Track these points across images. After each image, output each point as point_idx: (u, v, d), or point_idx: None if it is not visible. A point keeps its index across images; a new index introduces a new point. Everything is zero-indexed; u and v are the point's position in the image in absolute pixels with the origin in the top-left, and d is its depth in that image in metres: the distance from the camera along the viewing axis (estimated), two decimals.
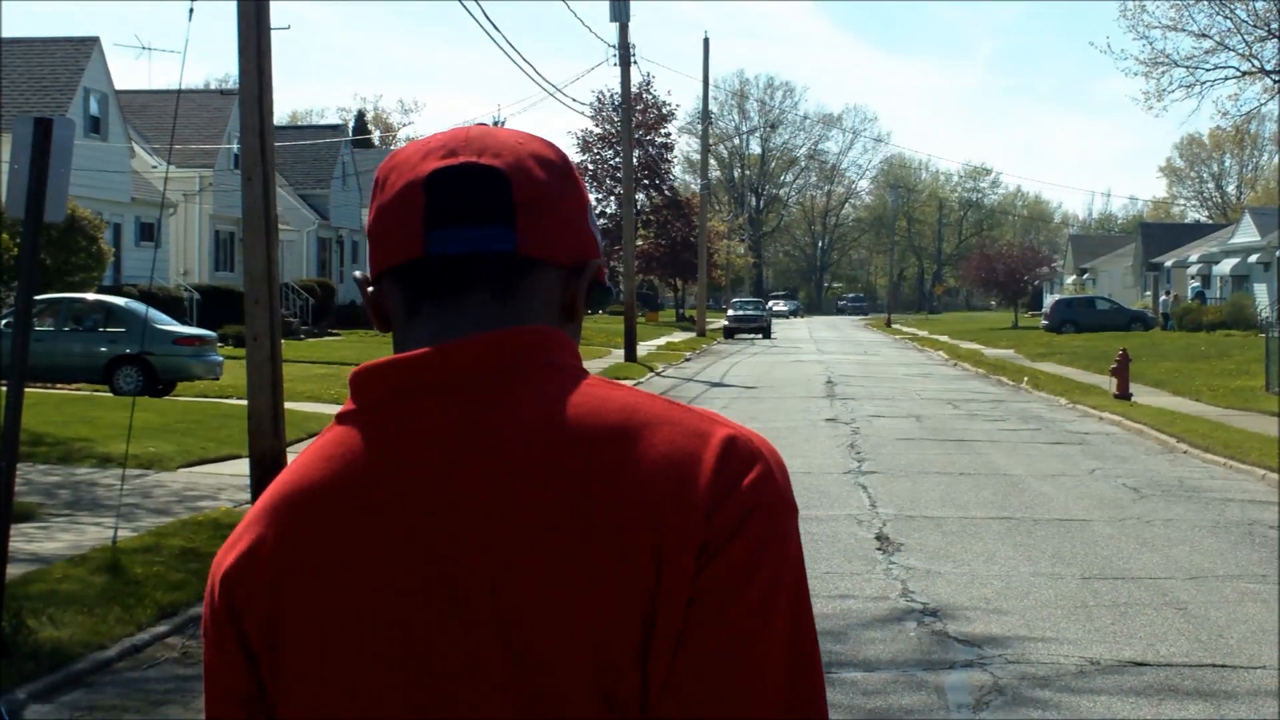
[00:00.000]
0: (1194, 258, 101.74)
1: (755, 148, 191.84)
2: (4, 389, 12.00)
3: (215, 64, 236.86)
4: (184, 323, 43.56)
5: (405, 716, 1.99)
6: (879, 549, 16.67)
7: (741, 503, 1.97)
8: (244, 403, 20.05)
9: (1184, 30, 67.07)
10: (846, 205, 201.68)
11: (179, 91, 22.60)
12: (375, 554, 2.01)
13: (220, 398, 34.74)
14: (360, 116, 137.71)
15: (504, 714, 1.96)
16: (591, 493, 1.96)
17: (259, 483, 19.00)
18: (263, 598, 2.06)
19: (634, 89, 77.99)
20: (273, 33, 19.46)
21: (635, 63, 64.69)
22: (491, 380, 2.06)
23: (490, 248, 2.11)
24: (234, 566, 2.09)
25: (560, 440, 1.99)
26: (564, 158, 2.24)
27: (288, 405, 20.58)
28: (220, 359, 37.41)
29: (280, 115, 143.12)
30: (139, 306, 36.03)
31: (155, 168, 61.44)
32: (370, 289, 2.21)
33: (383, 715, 2.01)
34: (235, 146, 58.39)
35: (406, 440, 2.04)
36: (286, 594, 2.05)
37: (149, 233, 58.47)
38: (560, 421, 2.01)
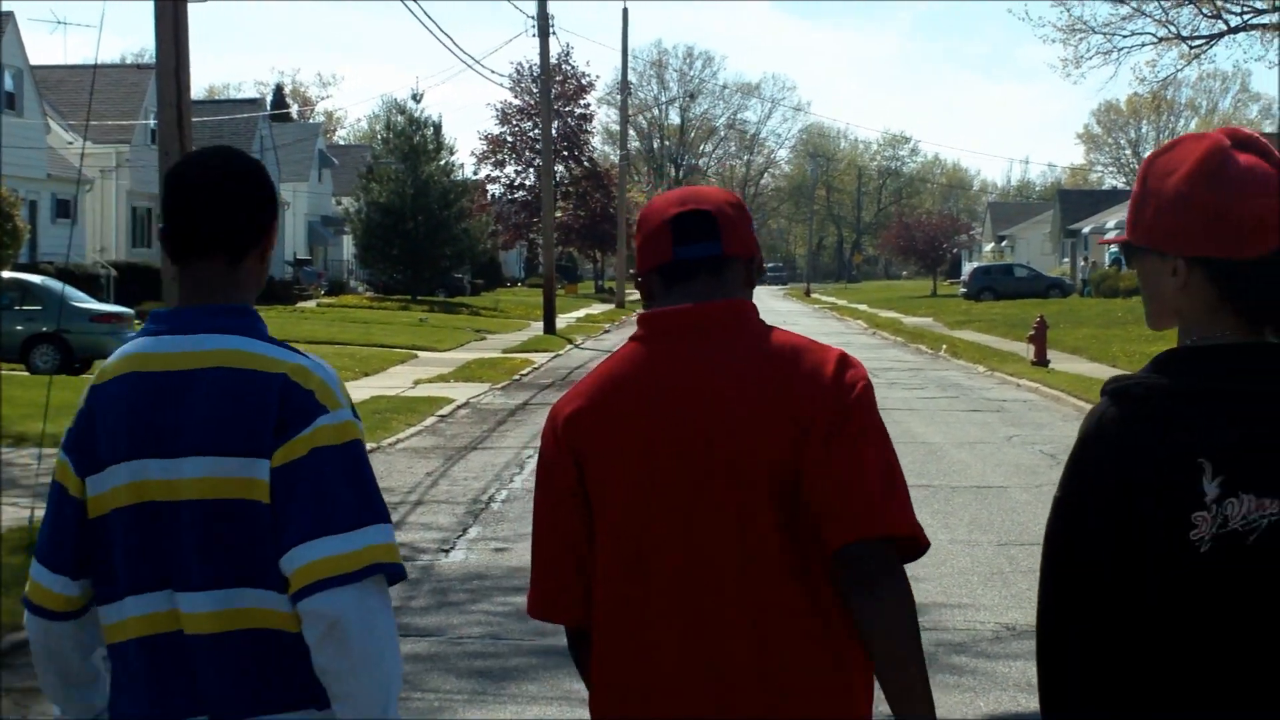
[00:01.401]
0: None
1: (674, 118, 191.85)
2: None
3: (132, 38, 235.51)
4: (101, 300, 43.26)
5: (665, 500, 3.91)
6: None
7: (853, 389, 3.89)
8: None
9: None
10: (766, 175, 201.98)
11: (95, 66, 22.46)
12: (651, 414, 3.93)
13: None
14: (279, 90, 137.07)
15: (722, 501, 3.88)
16: (777, 385, 3.88)
17: None
18: (585, 430, 3.99)
19: (553, 60, 77.75)
20: (189, 6, 19.36)
21: (554, 33, 64.55)
22: (711, 325, 3.98)
23: (706, 254, 4.04)
24: (571, 414, 4.02)
25: (756, 358, 3.93)
26: (740, 201, 4.22)
27: None
28: None
29: (198, 89, 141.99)
30: (55, 284, 35.86)
31: (71, 144, 61.04)
32: (640, 278, 4.14)
33: (652, 500, 3.91)
34: (152, 122, 57.98)
35: (670, 354, 3.98)
36: (599, 431, 3.97)
37: (65, 209, 58.12)
38: (755, 347, 3.96)
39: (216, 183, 4.10)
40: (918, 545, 3.94)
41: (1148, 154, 3.70)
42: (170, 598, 3.87)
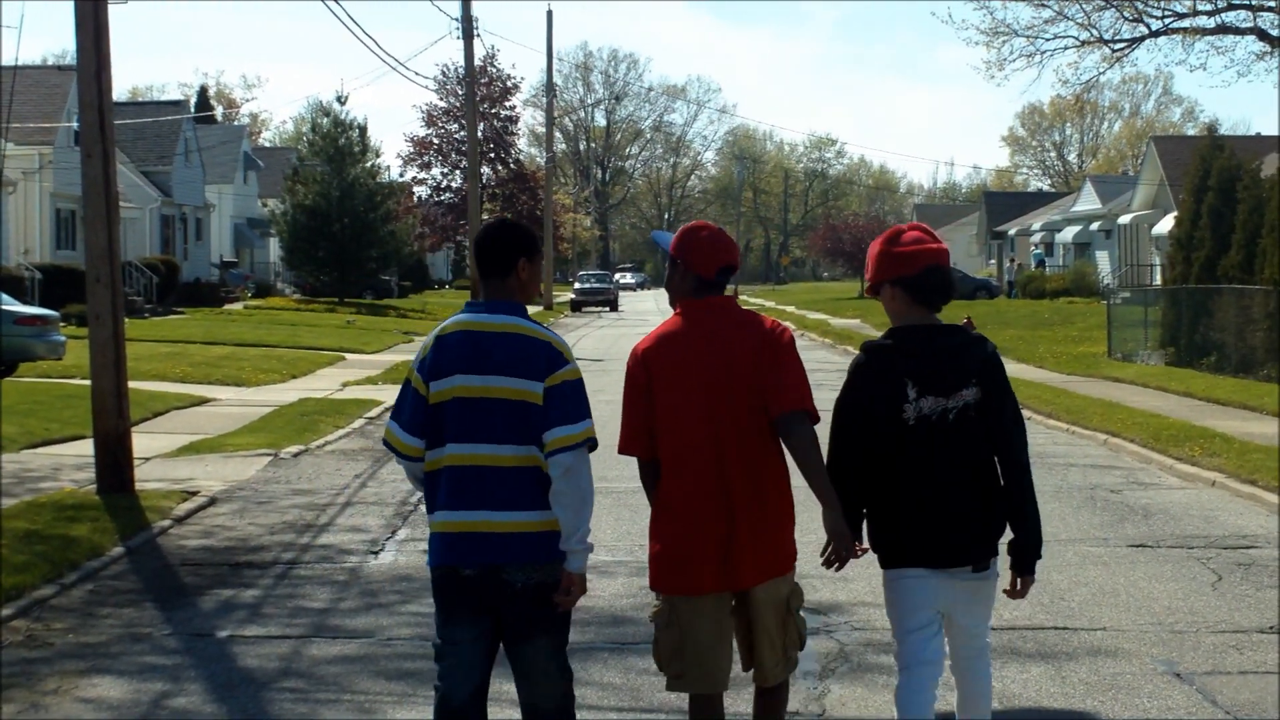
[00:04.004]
0: (1037, 226, 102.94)
1: (600, 120, 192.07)
2: None
3: (53, 39, 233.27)
4: (25, 302, 42.95)
5: (698, 394, 7.79)
6: None
7: (783, 334, 7.98)
8: (88, 383, 19.83)
9: (1023, 0, 67.65)
10: (692, 177, 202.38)
11: (15, 68, 22.30)
12: (691, 350, 7.85)
13: (64, 378, 34.30)
14: (203, 92, 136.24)
15: (733, 408, 7.78)
16: (751, 335, 7.87)
17: (103, 463, 18.83)
18: (653, 356, 7.91)
19: (478, 62, 77.83)
20: (110, 7, 19.26)
21: (479, 35, 64.60)
22: (723, 306, 8.01)
23: (729, 274, 8.04)
24: (646, 348, 7.95)
25: (741, 321, 7.95)
26: (735, 245, 8.21)
27: (132, 384, 20.42)
28: (63, 339, 36.96)
29: (120, 91, 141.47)
30: None
31: None
32: (675, 274, 8.05)
33: (691, 395, 7.79)
34: (75, 123, 57.60)
35: (700, 322, 7.91)
36: (660, 357, 7.88)
37: None
38: (739, 318, 7.97)
39: (492, 240, 7.87)
40: (814, 418, 7.81)
41: (879, 239, 8.36)
42: (475, 448, 7.58)
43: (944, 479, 7.83)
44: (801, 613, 8.15)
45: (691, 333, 7.83)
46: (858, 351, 8.01)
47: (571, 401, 7.53)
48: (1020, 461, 8.02)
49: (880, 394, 7.85)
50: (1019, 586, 8.11)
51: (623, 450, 7.91)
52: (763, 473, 7.80)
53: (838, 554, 7.80)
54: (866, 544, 8.06)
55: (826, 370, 41.33)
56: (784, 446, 7.82)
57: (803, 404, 7.71)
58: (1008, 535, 8.10)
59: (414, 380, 7.71)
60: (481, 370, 7.56)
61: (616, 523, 16.44)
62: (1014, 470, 7.99)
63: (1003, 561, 8.12)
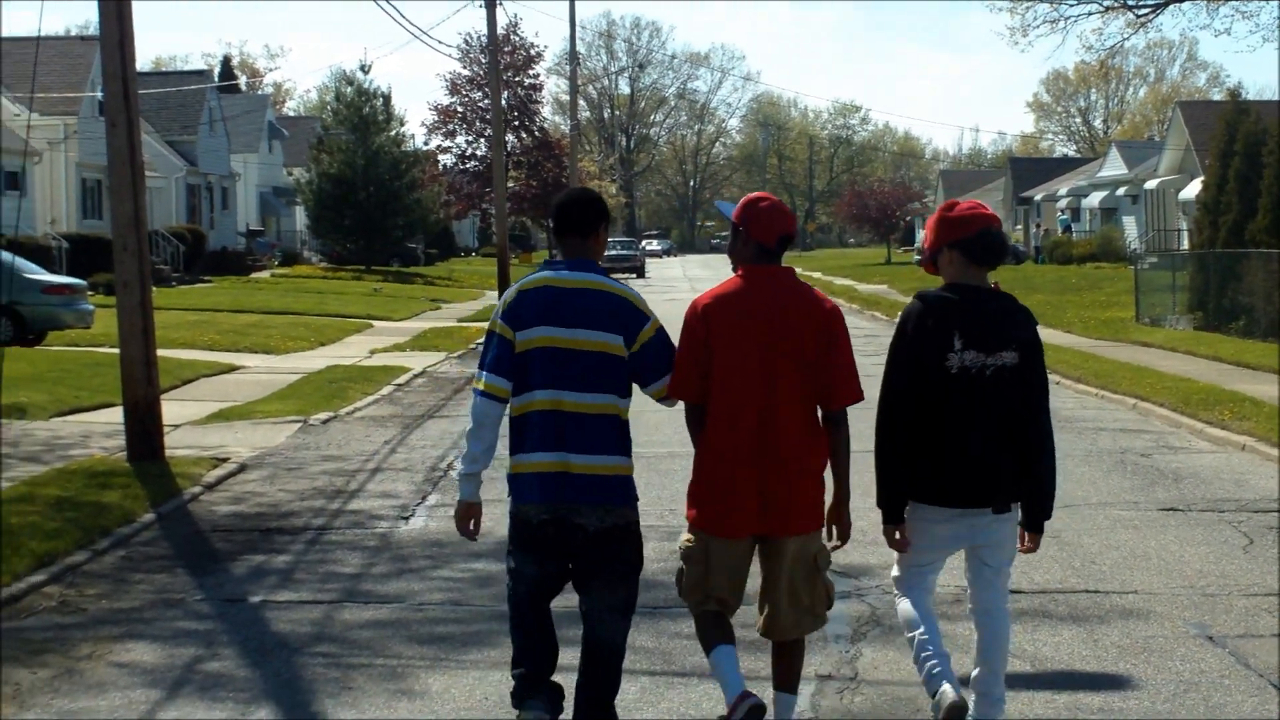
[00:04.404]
0: (1063, 191, 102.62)
1: (624, 88, 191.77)
2: None
3: (75, 10, 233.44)
4: (53, 271, 43.01)
5: (753, 352, 8.30)
6: None
7: (840, 318, 8.51)
8: (116, 351, 19.86)
9: None
10: (717, 144, 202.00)
11: (38, 38, 22.28)
12: (748, 312, 8.34)
13: (92, 346, 34.40)
14: (226, 62, 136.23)
15: (786, 367, 8.32)
16: (809, 308, 8.41)
17: (133, 431, 18.87)
18: (712, 312, 8.36)
19: (501, 30, 77.71)
20: None
21: (501, 4, 64.70)
22: (781, 275, 8.49)
23: (787, 246, 8.60)
24: (707, 303, 8.39)
25: (799, 288, 8.46)
26: (793, 216, 8.83)
27: (160, 352, 20.44)
28: (91, 307, 37.03)
29: (144, 61, 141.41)
30: (6, 255, 35.49)
31: (18, 115, 60.58)
32: (737, 241, 8.60)
33: (747, 352, 8.30)
34: (99, 93, 57.60)
35: (759, 286, 8.41)
36: (718, 314, 8.35)
37: (14, 182, 57.62)
38: (797, 285, 8.48)
39: (576, 203, 8.65)
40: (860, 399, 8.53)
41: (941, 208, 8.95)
42: (559, 394, 8.28)
43: (976, 428, 8.50)
44: (830, 575, 8.61)
45: (752, 295, 8.36)
46: (913, 299, 8.68)
47: (664, 354, 8.43)
48: (1046, 427, 8.76)
49: (930, 341, 8.47)
50: (1028, 543, 8.94)
51: (673, 392, 8.47)
52: (804, 434, 8.38)
53: (842, 536, 8.66)
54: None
55: (854, 335, 41.24)
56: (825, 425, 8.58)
57: (853, 398, 8.47)
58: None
59: (499, 329, 8.37)
60: (565, 323, 8.25)
61: (646, 487, 16.35)
62: (1039, 434, 8.71)
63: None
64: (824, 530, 8.58)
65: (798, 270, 8.86)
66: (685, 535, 8.60)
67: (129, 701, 9.78)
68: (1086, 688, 10.03)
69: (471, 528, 8.60)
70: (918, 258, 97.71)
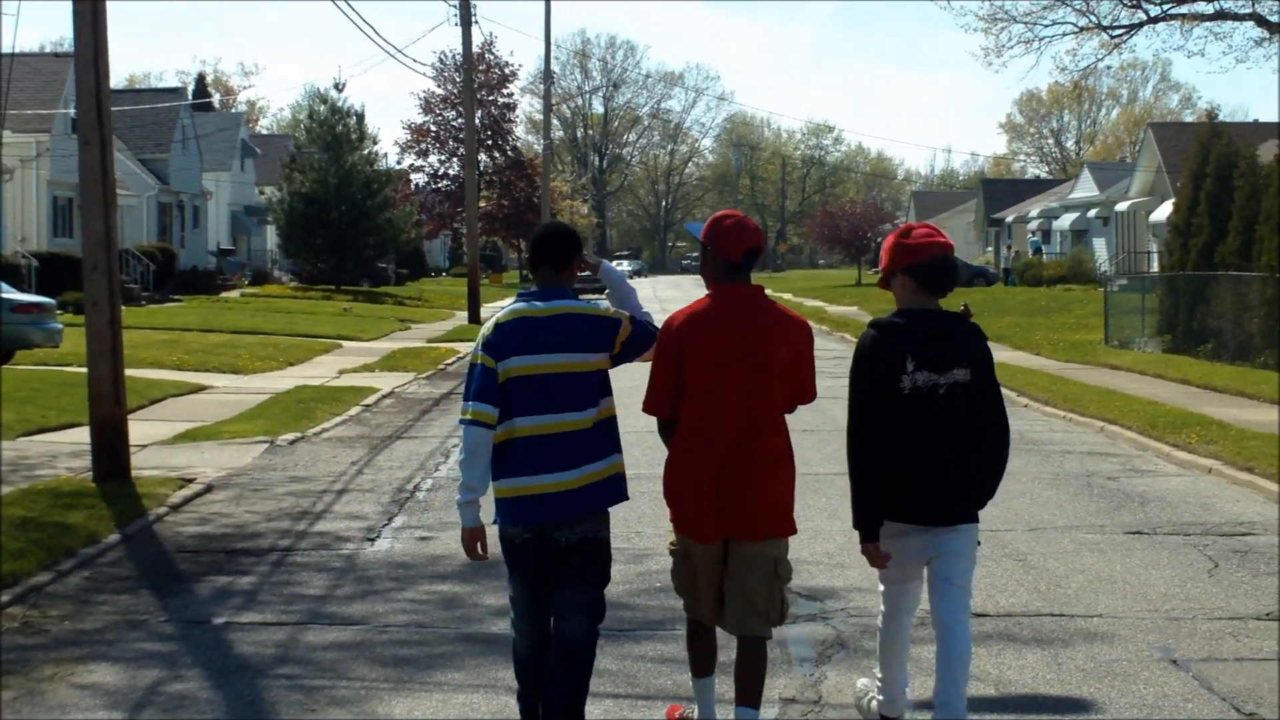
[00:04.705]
0: (1034, 213, 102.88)
1: (598, 107, 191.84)
2: None
3: (50, 27, 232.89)
4: (22, 290, 42.92)
5: (726, 368, 8.65)
6: None
7: (810, 336, 8.98)
8: (84, 370, 19.81)
9: None
10: (690, 164, 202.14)
11: (12, 55, 22.25)
12: (718, 330, 8.69)
13: (60, 365, 34.33)
14: (200, 79, 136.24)
15: (755, 383, 8.69)
16: (780, 322, 8.79)
17: (99, 450, 18.82)
18: (685, 330, 8.74)
19: (476, 49, 77.61)
20: None
21: (476, 22, 64.50)
22: (750, 292, 8.83)
23: (755, 260, 8.91)
24: (680, 322, 8.76)
25: (769, 308, 8.79)
26: (759, 231, 9.18)
27: (129, 372, 20.40)
28: (60, 326, 36.91)
29: (118, 79, 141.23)
30: None
31: None
32: (706, 259, 8.98)
33: (719, 368, 8.66)
34: (72, 111, 57.51)
35: (728, 304, 8.77)
36: (691, 334, 8.72)
37: None
38: (765, 302, 8.82)
39: (551, 237, 8.99)
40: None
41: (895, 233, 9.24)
42: (540, 419, 8.66)
43: (929, 444, 8.88)
44: (793, 597, 8.65)
45: (720, 315, 8.78)
46: (867, 328, 9.07)
47: (645, 339, 8.95)
48: (1002, 435, 9.20)
49: (885, 365, 8.81)
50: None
51: (647, 409, 9.01)
52: (771, 446, 8.83)
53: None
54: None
55: (823, 358, 41.28)
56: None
57: (809, 399, 9.13)
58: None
59: (481, 359, 8.76)
60: (543, 349, 8.67)
61: (613, 510, 16.43)
62: (994, 444, 9.13)
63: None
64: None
65: (767, 292, 8.97)
66: (670, 537, 9.13)
67: None
68: (1050, 711, 10.05)
69: (480, 551, 8.84)
70: (1033, 244, 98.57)
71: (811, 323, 50.20)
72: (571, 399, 8.73)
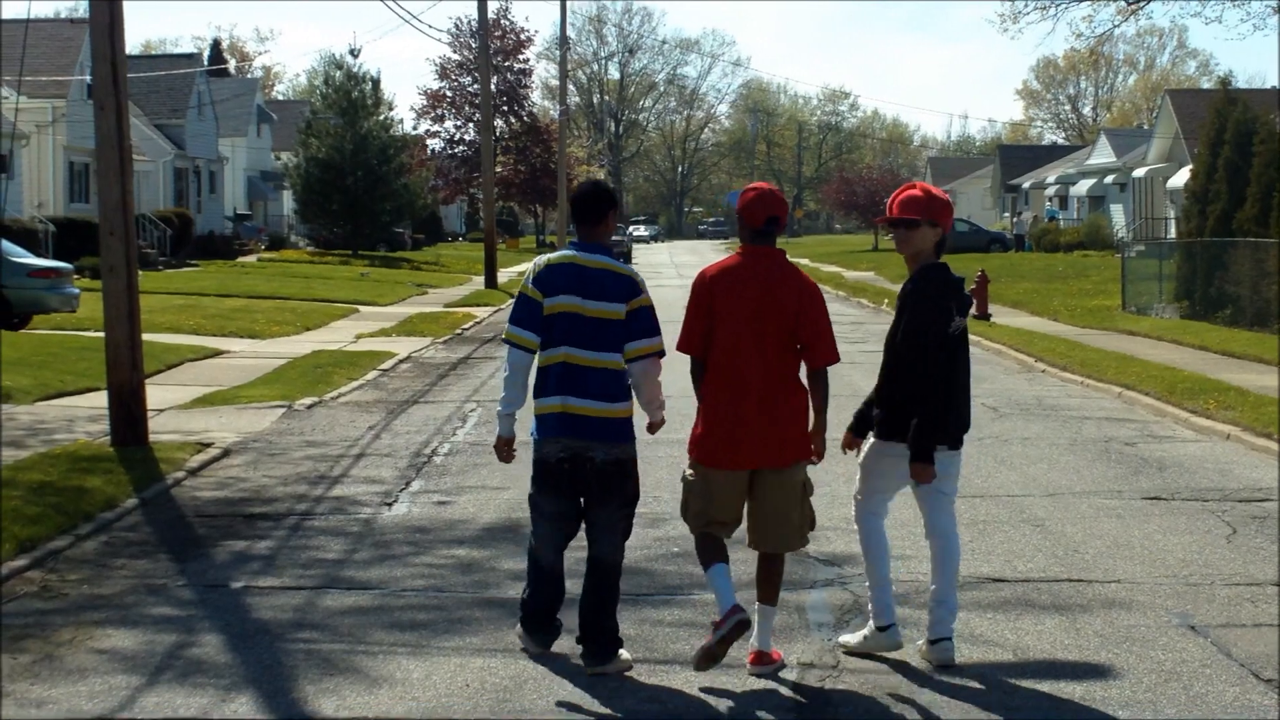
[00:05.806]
0: (1051, 179, 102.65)
1: (614, 73, 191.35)
2: None
3: None
4: (39, 255, 42.94)
5: (748, 320, 9.97)
6: None
7: (813, 286, 10.19)
8: (101, 335, 19.81)
9: None
10: (706, 130, 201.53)
11: (28, 20, 22.22)
12: (745, 281, 10.05)
13: (77, 330, 34.33)
14: (215, 45, 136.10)
15: (773, 327, 9.98)
16: (793, 283, 10.06)
17: (117, 415, 18.83)
18: (715, 281, 10.11)
19: (491, 15, 77.67)
20: None
21: None
22: (772, 254, 10.17)
23: (776, 226, 10.22)
24: (712, 274, 10.17)
25: (785, 265, 10.16)
26: (781, 201, 10.44)
27: (146, 336, 20.41)
28: (76, 291, 36.93)
29: (133, 44, 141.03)
30: None
31: (7, 98, 60.44)
32: (739, 224, 10.32)
33: (743, 319, 9.97)
34: (88, 77, 57.39)
35: (752, 262, 10.11)
36: (721, 284, 10.09)
37: (1, 165, 57.53)
38: (785, 263, 10.16)
39: (587, 195, 10.34)
40: (836, 360, 10.06)
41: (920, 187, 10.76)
42: (577, 351, 10.00)
43: (959, 381, 10.47)
44: (813, 560, 8.89)
45: (747, 270, 10.11)
46: (908, 281, 10.58)
47: (647, 321, 10.19)
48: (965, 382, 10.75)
49: (946, 309, 10.28)
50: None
51: (681, 348, 10.25)
52: (788, 383, 10.10)
53: (819, 454, 10.35)
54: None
55: (840, 323, 41.26)
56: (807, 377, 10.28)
57: (831, 359, 10.15)
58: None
59: (530, 292, 10.18)
60: (587, 294, 10.07)
61: None
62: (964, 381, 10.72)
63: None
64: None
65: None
66: (688, 469, 10.32)
67: (109, 688, 9.75)
68: (1068, 677, 10.03)
69: (510, 454, 10.36)
70: (1050, 212, 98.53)
71: (828, 289, 50.61)
72: (605, 340, 10.09)
